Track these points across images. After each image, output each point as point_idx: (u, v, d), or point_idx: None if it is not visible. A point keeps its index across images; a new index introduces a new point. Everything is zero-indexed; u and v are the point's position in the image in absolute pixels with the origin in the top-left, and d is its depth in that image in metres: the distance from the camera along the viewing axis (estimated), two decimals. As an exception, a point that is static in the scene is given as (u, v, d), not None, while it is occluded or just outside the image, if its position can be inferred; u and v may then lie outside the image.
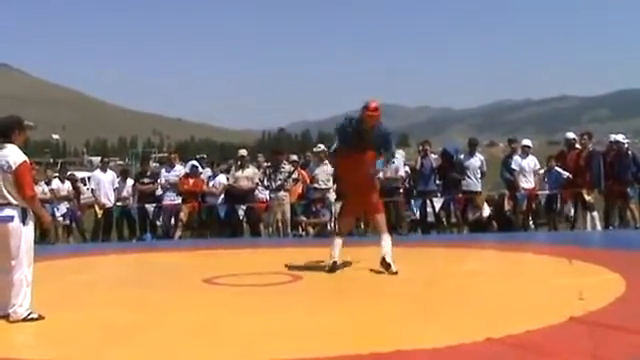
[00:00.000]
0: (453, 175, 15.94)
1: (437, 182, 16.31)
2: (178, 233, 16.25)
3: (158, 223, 16.78)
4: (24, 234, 6.95)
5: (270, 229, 16.16)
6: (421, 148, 16.61)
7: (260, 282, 9.10)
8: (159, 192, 16.74)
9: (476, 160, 16.05)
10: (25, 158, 7.01)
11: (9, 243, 6.87)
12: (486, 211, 15.92)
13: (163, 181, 16.69)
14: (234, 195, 16.23)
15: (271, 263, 10.80)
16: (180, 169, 17.03)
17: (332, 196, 15.88)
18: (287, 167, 16.01)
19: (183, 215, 16.27)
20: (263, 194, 16.35)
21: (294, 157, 17.85)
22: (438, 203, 15.87)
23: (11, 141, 7.04)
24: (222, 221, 16.12)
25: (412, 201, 15.99)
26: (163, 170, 17.11)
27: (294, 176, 15.96)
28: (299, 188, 16.42)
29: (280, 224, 15.92)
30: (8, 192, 6.92)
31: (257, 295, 8.38)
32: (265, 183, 16.05)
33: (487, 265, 11.03)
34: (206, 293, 8.66)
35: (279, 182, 15.64)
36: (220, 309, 7.46)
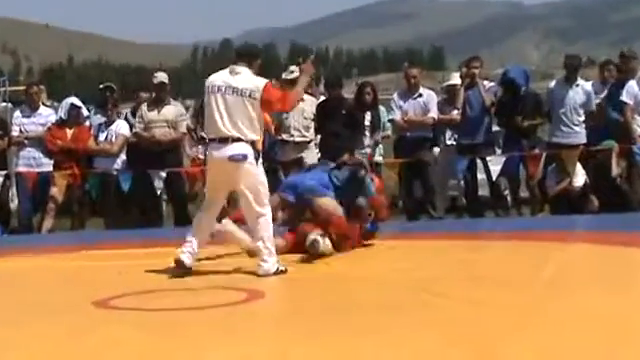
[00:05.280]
0: (521, 119, 11.30)
1: (493, 129, 11.83)
2: (48, 223, 11.45)
3: (12, 206, 11.95)
4: (259, 173, 6.97)
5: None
6: (465, 71, 11.71)
7: (194, 304, 6.20)
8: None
9: (576, 92, 11.13)
10: (266, 80, 7.05)
11: (239, 183, 6.84)
12: (580, 179, 11.45)
13: (18, 132, 11.83)
14: (144, 153, 11.59)
15: (211, 270, 7.74)
16: (49, 112, 12.08)
17: (312, 155, 11.23)
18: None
19: (56, 191, 11.33)
20: (195, 151, 12.29)
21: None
22: (496, 166, 11.39)
23: (249, 66, 7.04)
24: (125, 199, 11.60)
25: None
26: (18, 114, 12.24)
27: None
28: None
29: (225, 203, 10.69)
30: (242, 124, 6.79)
31: (191, 327, 5.19)
32: (199, 133, 11.46)
33: (585, 268, 8.15)
34: (102, 326, 5.47)
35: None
36: (129, 354, 4.64)
